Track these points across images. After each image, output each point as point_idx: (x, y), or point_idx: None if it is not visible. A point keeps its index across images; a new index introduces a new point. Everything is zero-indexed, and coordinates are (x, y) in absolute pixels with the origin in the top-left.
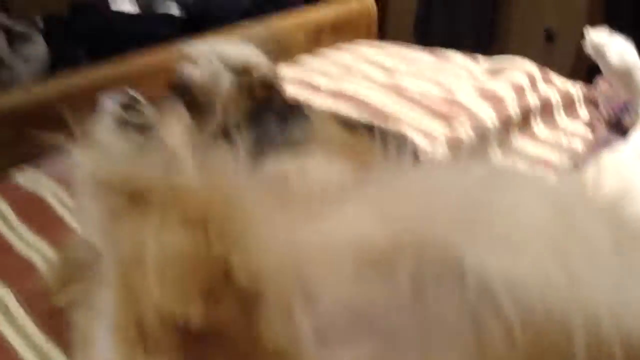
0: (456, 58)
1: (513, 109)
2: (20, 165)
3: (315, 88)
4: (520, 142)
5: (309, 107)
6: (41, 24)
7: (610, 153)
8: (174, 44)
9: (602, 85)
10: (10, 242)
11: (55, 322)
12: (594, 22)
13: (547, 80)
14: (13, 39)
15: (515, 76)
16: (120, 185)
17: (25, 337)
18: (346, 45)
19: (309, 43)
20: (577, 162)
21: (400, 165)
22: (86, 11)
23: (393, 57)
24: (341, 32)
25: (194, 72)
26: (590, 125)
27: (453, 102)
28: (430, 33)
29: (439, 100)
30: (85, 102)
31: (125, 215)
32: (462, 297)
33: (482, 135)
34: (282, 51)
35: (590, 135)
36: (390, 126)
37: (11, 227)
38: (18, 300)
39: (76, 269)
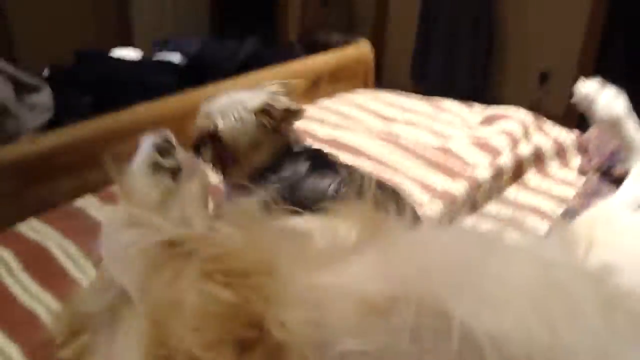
0: (451, 106)
1: (506, 158)
2: (25, 216)
3: (312, 135)
4: (512, 190)
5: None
6: (47, 73)
7: (601, 204)
8: (177, 94)
9: (593, 132)
10: (14, 293)
11: None
12: (587, 64)
13: (541, 129)
14: (20, 88)
15: (509, 125)
16: (162, 235)
17: None
18: (344, 94)
19: (308, 91)
20: (569, 211)
21: (402, 226)
22: (90, 60)
23: (389, 105)
24: (339, 79)
25: (222, 122)
26: (582, 173)
27: (448, 152)
28: (427, 74)
29: (434, 149)
30: (89, 153)
31: (164, 263)
32: (453, 349)
33: (475, 184)
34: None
35: (581, 184)
36: (386, 175)
37: (15, 278)
38: (22, 352)
39: (83, 320)
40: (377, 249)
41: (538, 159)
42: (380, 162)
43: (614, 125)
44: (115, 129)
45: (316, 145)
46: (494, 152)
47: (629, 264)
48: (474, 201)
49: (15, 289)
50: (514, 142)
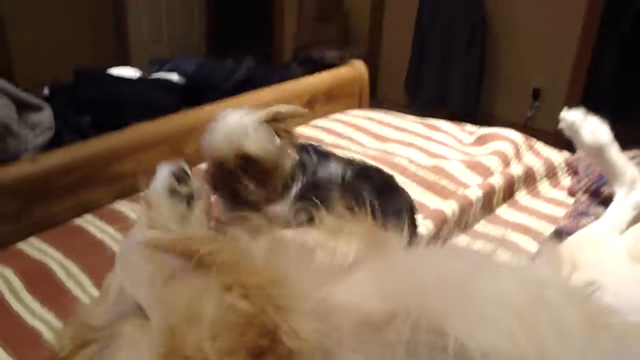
0: (444, 126)
1: (498, 177)
2: (26, 234)
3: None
4: (503, 209)
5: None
6: (47, 92)
7: (589, 227)
8: (176, 113)
9: (582, 153)
10: (17, 311)
11: None
12: (579, 80)
13: (532, 149)
14: (21, 107)
15: (501, 145)
16: (181, 249)
17: None
18: (339, 115)
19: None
20: (558, 230)
21: (399, 243)
22: (90, 78)
23: (384, 125)
24: (334, 98)
25: (248, 141)
26: (571, 194)
27: (440, 171)
28: (421, 89)
29: (427, 168)
30: (91, 172)
31: (182, 276)
32: None
33: (467, 203)
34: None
35: (570, 203)
36: None
37: (18, 297)
38: None
39: (88, 334)
40: (375, 266)
41: (529, 178)
42: None
43: (598, 152)
44: (115, 148)
45: None
46: (486, 172)
47: (613, 284)
48: (465, 220)
49: (18, 308)
50: (506, 162)
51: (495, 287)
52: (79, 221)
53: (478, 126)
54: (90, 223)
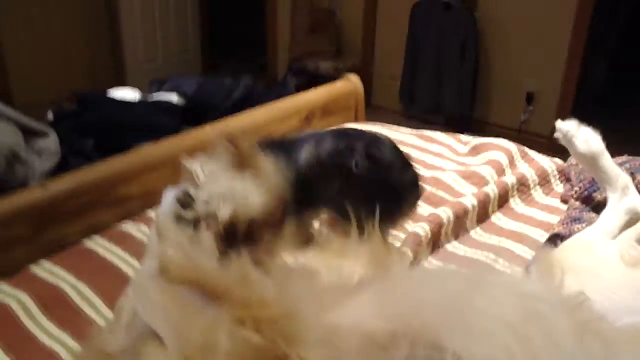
0: (440, 137)
1: (492, 186)
2: (38, 258)
3: None
4: (497, 217)
5: None
6: (51, 117)
7: (582, 233)
8: (177, 135)
9: (574, 160)
10: (34, 334)
11: None
12: (571, 83)
13: (525, 157)
14: (27, 134)
15: (496, 155)
16: (197, 282)
17: None
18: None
19: (301, 126)
20: (553, 237)
21: (400, 265)
22: (92, 102)
23: None
24: (331, 113)
25: (254, 202)
26: (564, 201)
27: (437, 182)
28: (415, 97)
29: (424, 180)
30: (98, 196)
31: (198, 308)
32: None
33: (462, 211)
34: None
35: (564, 210)
36: None
37: (34, 320)
38: None
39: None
40: (378, 288)
41: (523, 186)
42: None
43: (592, 160)
44: (120, 172)
45: None
46: (481, 182)
47: (606, 288)
48: (461, 227)
49: (36, 330)
50: (500, 172)
51: (491, 303)
52: (88, 243)
53: (473, 136)
54: (99, 245)
